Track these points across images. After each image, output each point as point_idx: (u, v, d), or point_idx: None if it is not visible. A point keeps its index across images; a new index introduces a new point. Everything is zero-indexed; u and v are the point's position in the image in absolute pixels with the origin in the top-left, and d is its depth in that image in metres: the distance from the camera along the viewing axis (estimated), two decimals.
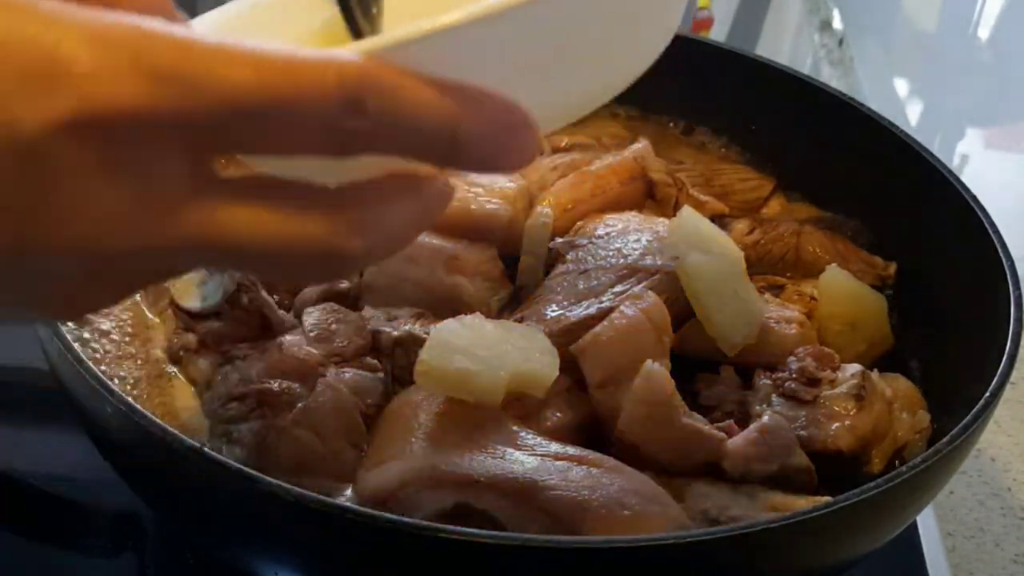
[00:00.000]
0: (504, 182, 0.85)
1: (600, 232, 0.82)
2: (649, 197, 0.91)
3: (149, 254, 0.38)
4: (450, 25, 0.40)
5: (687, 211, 0.78)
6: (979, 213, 0.80)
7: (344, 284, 0.77)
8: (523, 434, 0.65)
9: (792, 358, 0.74)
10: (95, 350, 0.72)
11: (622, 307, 0.71)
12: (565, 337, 0.71)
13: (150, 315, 0.76)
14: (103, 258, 0.37)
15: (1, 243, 0.36)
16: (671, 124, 1.06)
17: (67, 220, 0.36)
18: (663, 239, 0.79)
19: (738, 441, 0.68)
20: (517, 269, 0.83)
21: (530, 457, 0.63)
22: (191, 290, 0.71)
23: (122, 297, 0.43)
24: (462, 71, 0.41)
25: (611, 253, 0.79)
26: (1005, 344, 0.69)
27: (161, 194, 0.37)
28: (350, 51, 0.39)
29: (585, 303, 0.75)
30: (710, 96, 1.04)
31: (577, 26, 0.44)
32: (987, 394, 0.65)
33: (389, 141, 0.40)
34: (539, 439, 0.64)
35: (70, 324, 0.73)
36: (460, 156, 0.41)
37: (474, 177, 0.85)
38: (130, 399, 0.59)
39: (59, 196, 0.36)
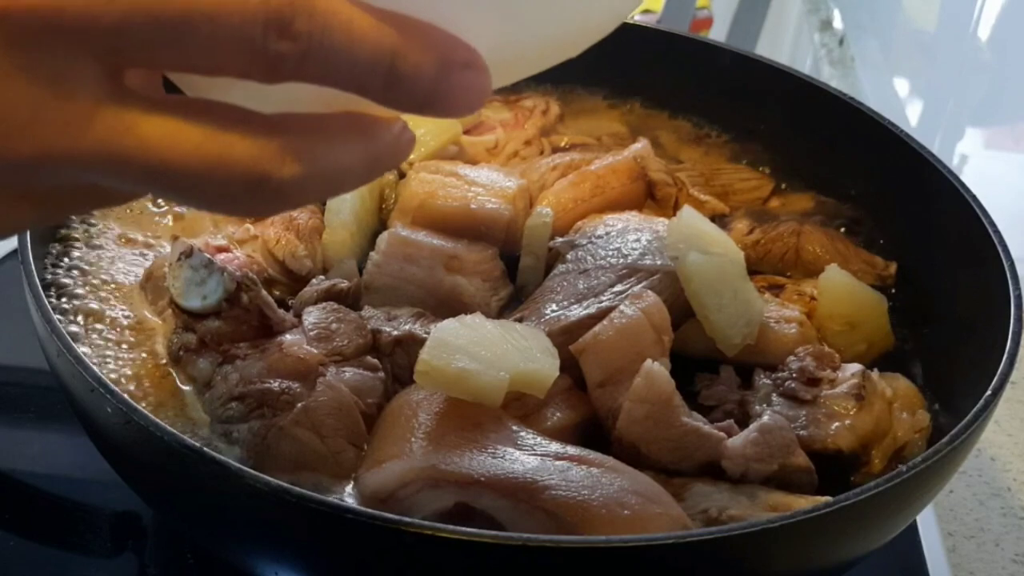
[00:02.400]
0: (504, 182, 0.85)
1: (600, 232, 0.82)
2: (649, 197, 0.91)
3: (57, 164, 0.36)
4: None
5: (687, 211, 0.78)
6: (979, 213, 0.80)
7: (344, 284, 0.77)
8: (523, 434, 0.65)
9: (792, 358, 0.74)
10: (95, 350, 0.72)
11: (622, 307, 0.71)
12: (565, 337, 0.71)
13: (150, 315, 0.76)
14: (7, 165, 0.36)
15: None
16: (671, 123, 1.06)
17: None
18: (663, 239, 0.79)
19: (738, 441, 0.68)
20: (517, 269, 0.83)
21: (530, 457, 0.63)
22: (191, 290, 0.71)
23: (43, 217, 0.41)
24: (407, 4, 0.38)
25: (611, 253, 0.79)
26: (1005, 344, 0.69)
27: (68, 100, 0.36)
28: None
29: (585, 303, 0.75)
30: (710, 96, 1.04)
31: None
32: (987, 393, 0.65)
33: (320, 69, 0.37)
34: (539, 439, 0.64)
35: (72, 326, 0.73)
36: (399, 92, 0.39)
37: (473, 176, 0.85)
38: (130, 399, 0.59)
39: None
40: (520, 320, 0.74)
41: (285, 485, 0.54)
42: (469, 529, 0.53)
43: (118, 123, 0.36)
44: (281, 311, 0.73)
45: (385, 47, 0.38)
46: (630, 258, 0.78)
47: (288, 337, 0.71)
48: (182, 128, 0.37)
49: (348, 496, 0.63)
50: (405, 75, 0.38)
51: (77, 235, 0.81)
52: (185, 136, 0.37)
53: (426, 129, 0.91)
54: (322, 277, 0.78)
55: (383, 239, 0.80)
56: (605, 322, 0.70)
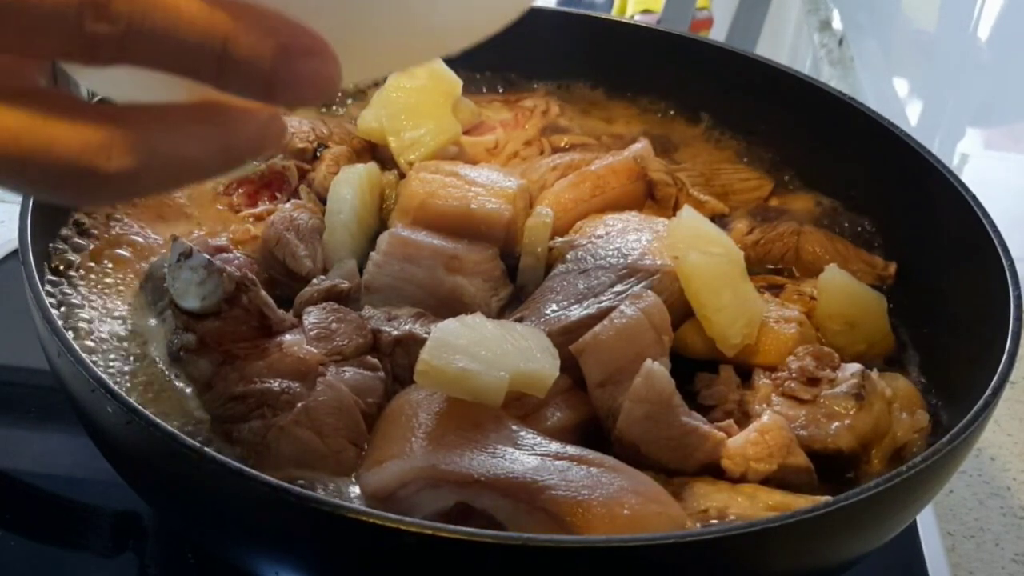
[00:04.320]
0: (504, 182, 0.85)
1: (600, 232, 0.82)
2: (649, 197, 0.92)
3: None
4: None
5: (687, 211, 0.79)
6: (979, 213, 0.80)
7: (344, 284, 0.77)
8: (523, 434, 0.65)
9: (792, 358, 0.75)
10: (95, 350, 0.72)
11: (622, 307, 0.71)
12: (565, 337, 0.71)
13: (150, 315, 0.76)
14: None
15: None
16: (671, 124, 1.06)
17: None
18: (663, 239, 0.79)
19: (738, 441, 0.68)
20: (517, 269, 0.83)
21: (530, 457, 0.63)
22: (190, 290, 0.71)
23: None
24: None
25: (611, 253, 0.79)
26: (1005, 343, 0.69)
27: None
28: None
29: (585, 303, 0.75)
30: (709, 96, 1.04)
31: None
32: (987, 393, 0.65)
33: (144, 52, 0.37)
34: (539, 439, 0.64)
35: (72, 326, 0.73)
36: (235, 78, 0.38)
37: (473, 176, 0.85)
38: (130, 399, 0.59)
39: None
40: (520, 320, 0.74)
41: (285, 485, 0.54)
42: (469, 529, 0.53)
43: None
44: (281, 311, 0.74)
45: (216, 31, 0.37)
46: (630, 258, 0.78)
47: (288, 337, 0.71)
48: (4, 115, 0.37)
49: (348, 495, 0.63)
50: (240, 60, 0.37)
51: (78, 235, 0.81)
52: (4, 123, 0.37)
53: (426, 129, 0.91)
54: (322, 277, 0.78)
55: (383, 239, 0.80)
56: (605, 322, 0.70)
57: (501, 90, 1.08)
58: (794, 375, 0.73)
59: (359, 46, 0.41)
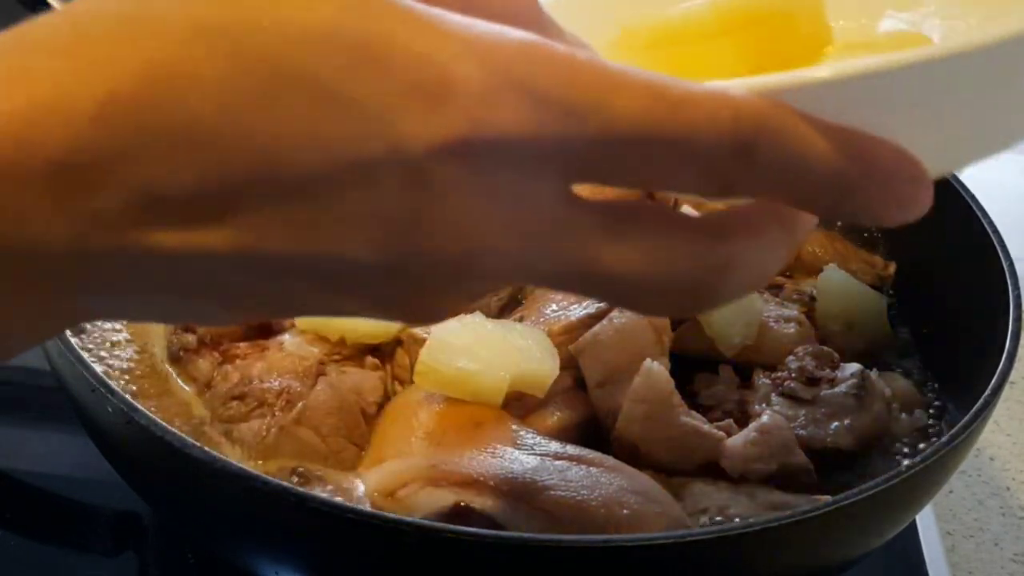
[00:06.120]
0: None
1: None
2: (649, 197, 0.91)
3: (516, 274, 0.37)
4: (860, 72, 0.36)
5: (686, 211, 0.78)
6: (979, 213, 0.80)
7: None
8: (523, 433, 0.65)
9: (791, 357, 0.74)
10: (95, 349, 0.72)
11: None
12: (565, 336, 0.71)
13: None
14: (473, 276, 0.36)
15: (380, 252, 0.35)
16: None
17: (442, 236, 0.35)
18: None
19: (737, 440, 0.68)
20: None
21: (529, 456, 0.63)
22: None
23: (466, 306, 0.43)
24: (859, 118, 0.37)
25: None
26: (1004, 343, 0.69)
27: (533, 218, 0.36)
28: (747, 89, 0.36)
29: (585, 302, 0.75)
30: None
31: (989, 86, 0.39)
32: (987, 393, 0.65)
33: (773, 188, 0.37)
34: (539, 438, 0.64)
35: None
36: (845, 208, 0.38)
37: None
38: (130, 399, 0.59)
39: (438, 213, 0.35)
40: (520, 320, 0.74)
41: (285, 485, 0.54)
42: (469, 529, 0.53)
43: (570, 246, 0.37)
44: None
45: (840, 170, 0.37)
46: None
47: (288, 336, 0.71)
48: (626, 252, 0.37)
49: (348, 495, 0.63)
50: (854, 195, 0.38)
51: None
52: (631, 259, 0.37)
53: None
54: None
55: None
56: (605, 322, 0.70)
57: None
58: (794, 375, 0.73)
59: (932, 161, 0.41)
